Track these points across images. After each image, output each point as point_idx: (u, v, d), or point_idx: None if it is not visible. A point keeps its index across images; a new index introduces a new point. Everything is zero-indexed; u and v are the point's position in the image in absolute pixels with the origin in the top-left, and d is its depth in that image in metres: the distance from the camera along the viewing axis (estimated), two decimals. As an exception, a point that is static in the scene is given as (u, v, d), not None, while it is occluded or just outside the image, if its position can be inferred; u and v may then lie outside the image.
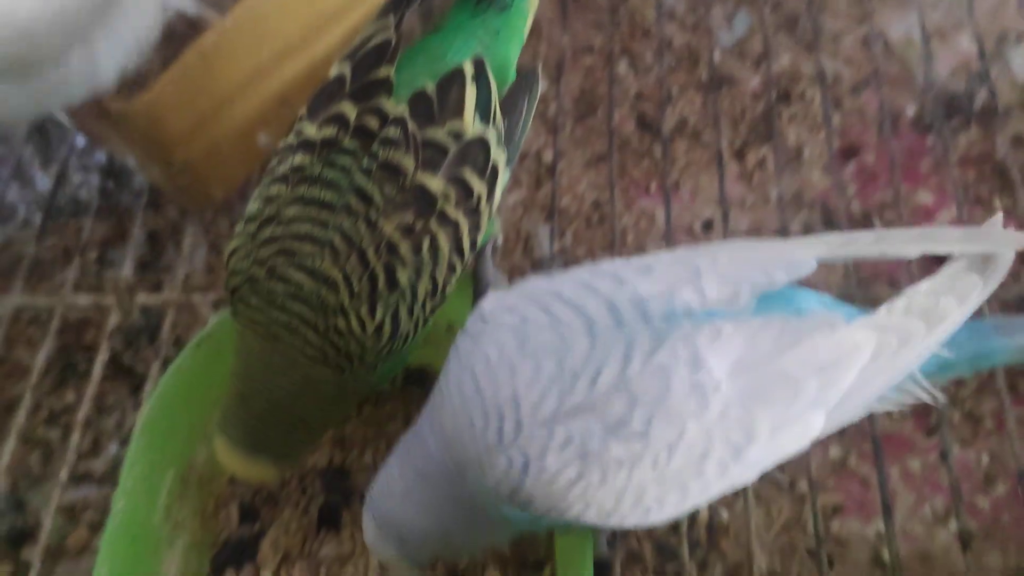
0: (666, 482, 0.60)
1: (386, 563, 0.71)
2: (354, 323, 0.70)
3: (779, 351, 0.60)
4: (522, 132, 0.78)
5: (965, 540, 0.82)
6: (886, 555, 0.89)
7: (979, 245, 0.66)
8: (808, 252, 0.66)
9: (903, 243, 0.67)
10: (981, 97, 1.19)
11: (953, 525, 0.91)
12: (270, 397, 0.74)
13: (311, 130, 0.73)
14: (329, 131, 0.72)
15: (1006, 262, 0.66)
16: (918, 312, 0.64)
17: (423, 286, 0.72)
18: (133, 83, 1.04)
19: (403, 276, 0.70)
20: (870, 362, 0.62)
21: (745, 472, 0.62)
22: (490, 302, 0.65)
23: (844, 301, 0.69)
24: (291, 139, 0.74)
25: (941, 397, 0.69)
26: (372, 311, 0.70)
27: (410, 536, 0.67)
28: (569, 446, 0.59)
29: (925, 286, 0.65)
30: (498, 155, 0.74)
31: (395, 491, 0.67)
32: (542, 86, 0.80)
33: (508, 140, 0.76)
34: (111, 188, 1.23)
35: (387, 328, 0.71)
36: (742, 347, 0.60)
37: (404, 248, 0.70)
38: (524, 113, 0.78)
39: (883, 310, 0.64)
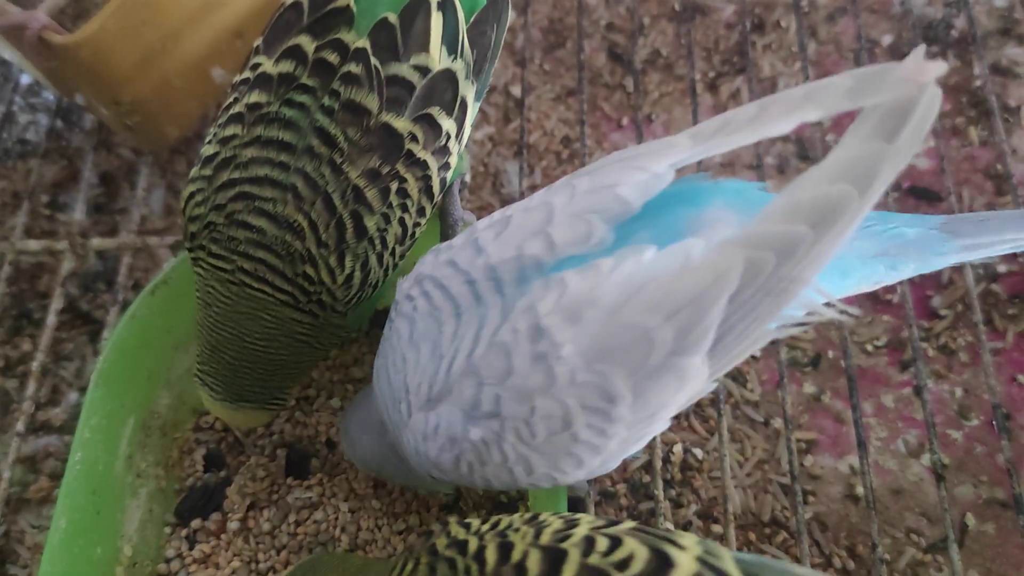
0: (546, 453, 0.58)
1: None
2: (323, 273, 0.68)
3: (624, 300, 0.54)
4: (491, 63, 0.75)
5: (938, 473, 0.82)
6: (860, 489, 0.89)
7: (880, 91, 0.50)
8: (670, 158, 0.58)
9: (782, 110, 0.54)
10: (959, 24, 1.16)
11: (926, 458, 0.91)
12: (241, 345, 0.72)
13: (267, 64, 0.69)
14: (286, 66, 0.68)
15: (929, 105, 0.49)
16: (802, 213, 0.51)
17: (392, 232, 0.69)
18: (76, 15, 0.99)
19: (371, 223, 0.67)
20: (742, 288, 0.52)
21: (637, 430, 0.58)
22: (399, 288, 0.66)
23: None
24: (247, 74, 0.71)
25: (856, 311, 0.57)
26: (341, 262, 0.67)
27: (362, 454, 0.74)
28: (439, 432, 0.59)
29: (811, 174, 0.52)
30: (466, 89, 0.71)
31: (352, 421, 0.74)
32: (509, 16, 0.76)
33: (476, 72, 0.72)
34: (60, 128, 1.18)
35: (357, 278, 0.69)
36: (585, 303, 0.54)
37: (371, 194, 0.67)
38: (493, 43, 0.74)
39: (756, 217, 0.53)
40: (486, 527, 0.54)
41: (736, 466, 0.91)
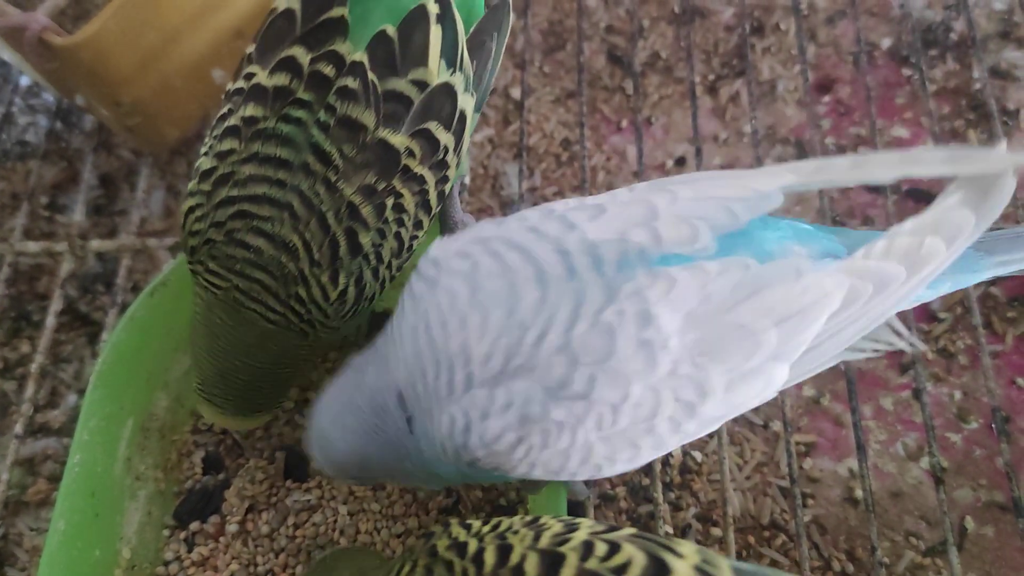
0: (614, 441, 0.58)
1: (321, 469, 0.72)
2: (315, 291, 0.67)
3: (736, 301, 0.57)
4: (491, 74, 0.74)
5: (937, 476, 0.82)
6: (859, 492, 0.89)
7: (965, 167, 0.59)
8: (775, 183, 0.61)
9: (881, 168, 0.62)
10: (958, 27, 1.16)
11: (925, 461, 0.91)
12: (252, 373, 0.73)
13: (262, 75, 0.68)
14: (281, 79, 0.67)
15: (1006, 191, 0.59)
16: (899, 255, 0.59)
17: (388, 246, 0.68)
18: (76, 17, 0.99)
19: (366, 240, 0.67)
20: (840, 310, 0.58)
21: (703, 427, 0.60)
22: (440, 247, 0.63)
23: (825, 228, 0.65)
24: (240, 83, 0.70)
25: (921, 345, 0.65)
26: (334, 279, 0.67)
27: (333, 453, 0.66)
28: (510, 409, 0.56)
29: (910, 225, 0.60)
30: (465, 102, 0.70)
31: (331, 410, 0.66)
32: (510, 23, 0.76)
33: (476, 84, 0.71)
34: (60, 130, 1.17)
35: (351, 294, 0.69)
36: (696, 297, 0.56)
37: (366, 211, 0.66)
38: (493, 53, 0.73)
39: (860, 252, 0.60)
40: (487, 529, 0.54)
41: (735, 469, 0.91)
